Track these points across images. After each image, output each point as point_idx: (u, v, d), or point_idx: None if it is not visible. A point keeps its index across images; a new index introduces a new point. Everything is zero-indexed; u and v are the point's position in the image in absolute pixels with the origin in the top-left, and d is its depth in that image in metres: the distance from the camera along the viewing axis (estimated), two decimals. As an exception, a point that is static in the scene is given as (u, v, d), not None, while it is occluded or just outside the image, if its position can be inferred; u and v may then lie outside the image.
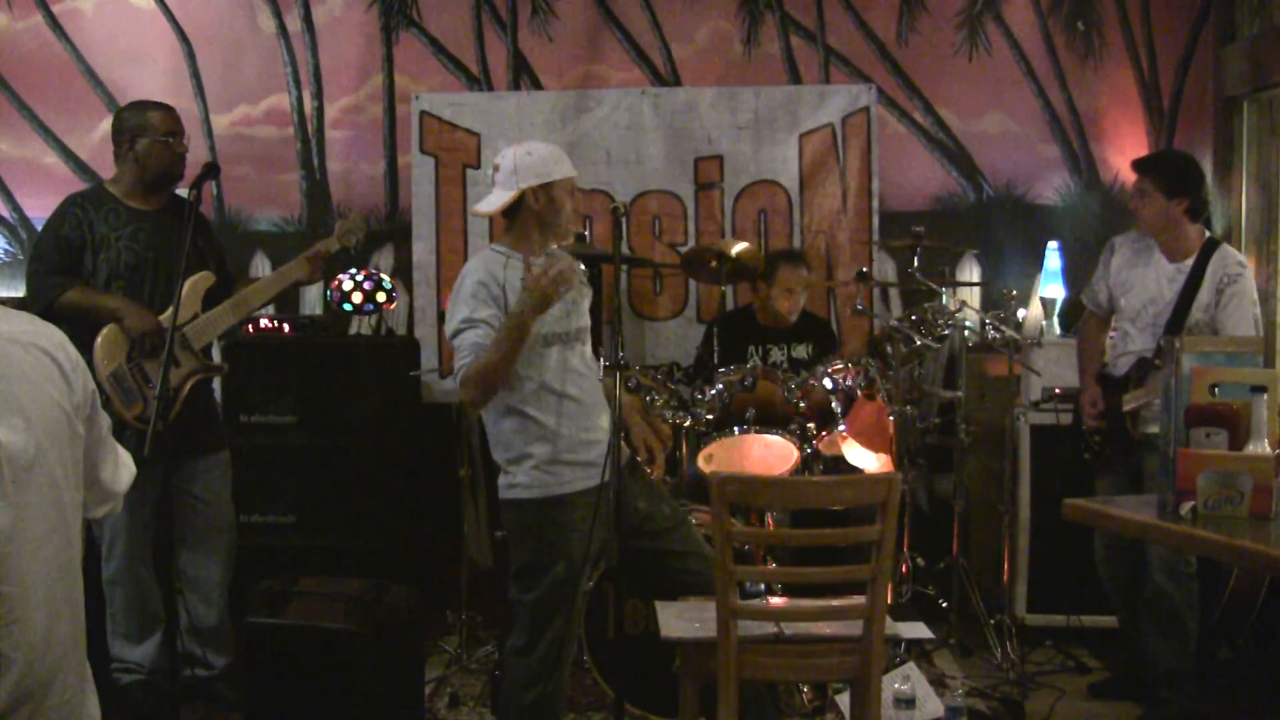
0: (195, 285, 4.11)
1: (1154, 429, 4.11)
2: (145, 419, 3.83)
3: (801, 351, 5.19)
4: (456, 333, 3.43)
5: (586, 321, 3.71)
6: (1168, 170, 4.23)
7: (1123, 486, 4.24)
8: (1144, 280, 4.30)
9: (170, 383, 3.91)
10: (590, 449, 3.53)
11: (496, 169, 3.61)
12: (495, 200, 3.57)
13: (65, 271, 4.06)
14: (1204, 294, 4.14)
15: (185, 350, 4.05)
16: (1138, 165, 4.34)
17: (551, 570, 3.45)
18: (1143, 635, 4.30)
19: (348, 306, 5.32)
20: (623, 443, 3.73)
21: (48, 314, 3.89)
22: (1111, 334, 4.54)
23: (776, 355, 5.15)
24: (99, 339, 3.93)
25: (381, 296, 5.34)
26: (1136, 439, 4.22)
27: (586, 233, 5.68)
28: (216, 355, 4.25)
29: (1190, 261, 4.19)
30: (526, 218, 3.55)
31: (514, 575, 3.57)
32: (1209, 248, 4.20)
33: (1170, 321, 4.17)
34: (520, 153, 3.56)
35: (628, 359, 3.57)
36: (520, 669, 3.52)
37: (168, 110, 4.22)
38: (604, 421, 3.62)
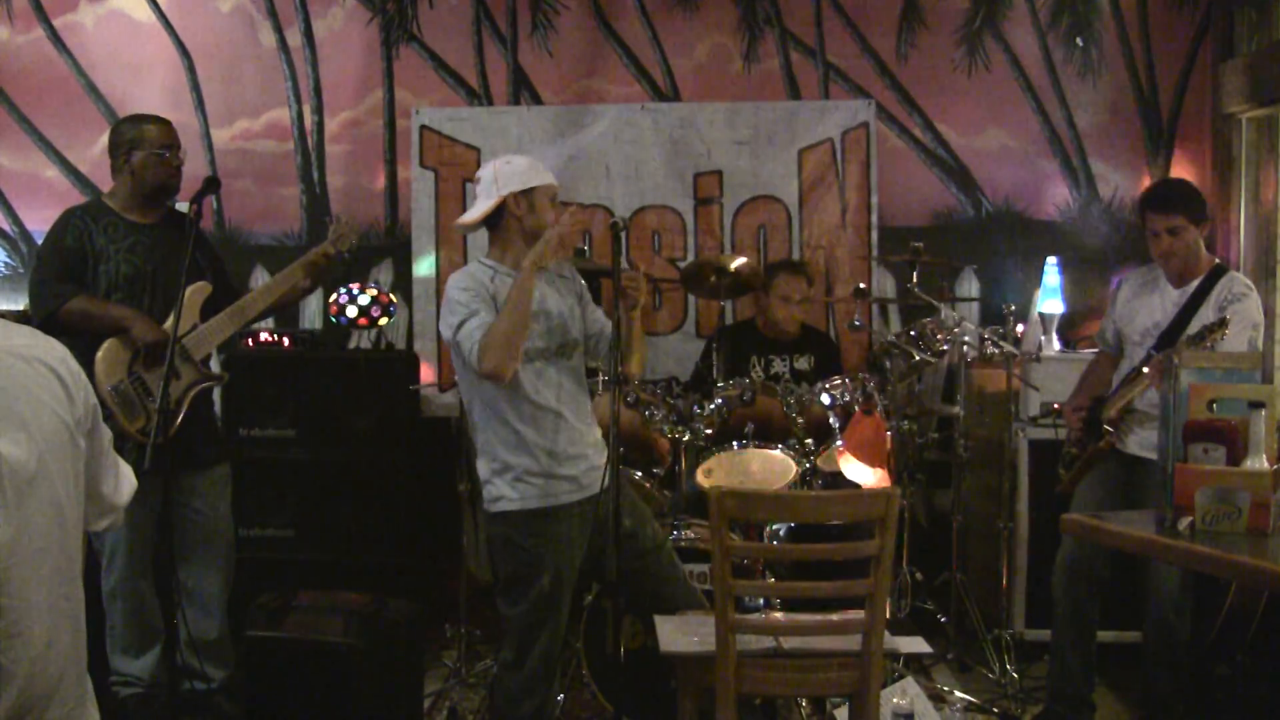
0: (192, 295, 4.07)
1: (1136, 442, 4.11)
2: (147, 432, 3.80)
3: (804, 363, 5.19)
4: (460, 325, 3.40)
5: (579, 335, 3.70)
6: (1189, 201, 4.17)
7: (1099, 495, 4.22)
8: (1149, 306, 4.29)
9: (172, 395, 3.90)
10: (577, 463, 3.53)
11: (477, 182, 3.64)
12: (477, 210, 3.59)
13: (69, 280, 4.02)
14: (1207, 312, 4.12)
15: (185, 362, 4.03)
16: (1164, 205, 4.17)
17: (537, 583, 3.45)
18: (1144, 661, 4.30)
19: (347, 320, 5.32)
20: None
21: (51, 322, 3.88)
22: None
23: (779, 366, 5.15)
24: (100, 353, 3.90)
25: (381, 311, 5.35)
26: (1107, 436, 4.21)
27: (586, 248, 5.68)
28: (215, 367, 4.22)
29: (1195, 283, 4.20)
30: (510, 226, 3.55)
31: (500, 589, 3.57)
32: (1216, 271, 4.19)
33: (1166, 334, 4.15)
34: (499, 163, 3.60)
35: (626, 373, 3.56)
36: (511, 683, 3.53)
37: (164, 123, 4.21)
38: (593, 437, 3.63)
